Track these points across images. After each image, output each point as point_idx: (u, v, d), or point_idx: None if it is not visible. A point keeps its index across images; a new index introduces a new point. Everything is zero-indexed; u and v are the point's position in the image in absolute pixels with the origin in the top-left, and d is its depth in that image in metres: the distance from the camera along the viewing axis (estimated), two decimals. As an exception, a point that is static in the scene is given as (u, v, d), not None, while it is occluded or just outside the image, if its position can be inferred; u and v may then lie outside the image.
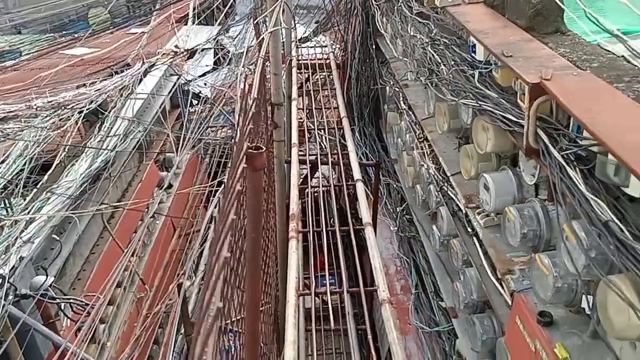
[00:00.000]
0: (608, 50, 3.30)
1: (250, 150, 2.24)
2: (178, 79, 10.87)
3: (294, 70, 7.93)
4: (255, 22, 7.94)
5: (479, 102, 3.45)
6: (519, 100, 3.11)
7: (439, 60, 4.09)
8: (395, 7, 5.37)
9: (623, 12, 3.51)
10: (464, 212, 4.25)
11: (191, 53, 13.87)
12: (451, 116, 4.51)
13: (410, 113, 5.81)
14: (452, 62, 3.93)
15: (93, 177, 7.78)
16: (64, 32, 17.69)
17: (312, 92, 7.49)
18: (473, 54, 3.76)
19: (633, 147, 2.19)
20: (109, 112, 8.53)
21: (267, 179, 5.55)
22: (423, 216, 5.69)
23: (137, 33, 16.72)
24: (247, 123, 2.36)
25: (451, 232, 4.80)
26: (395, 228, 6.65)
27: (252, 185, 2.27)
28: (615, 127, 2.33)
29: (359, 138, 8.00)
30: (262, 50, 3.85)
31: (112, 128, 8.32)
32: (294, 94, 7.30)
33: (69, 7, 18.46)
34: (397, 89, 6.39)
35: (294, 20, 11.47)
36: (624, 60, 2.95)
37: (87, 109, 8.50)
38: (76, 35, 16.22)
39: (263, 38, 4.01)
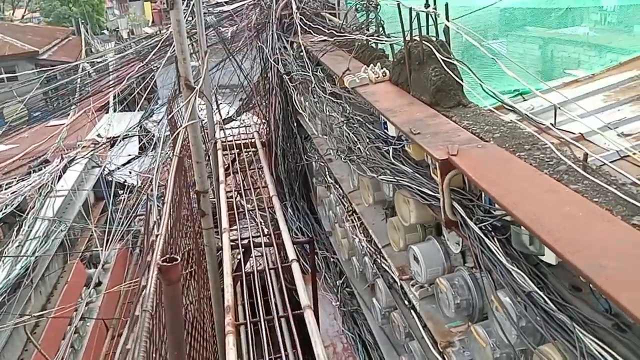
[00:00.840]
0: (512, 109, 3.51)
1: (163, 264, 2.12)
2: (101, 170, 10.55)
3: (220, 152, 7.90)
4: (169, 116, 7.87)
5: (396, 178, 3.51)
6: (432, 174, 3.19)
7: (355, 139, 4.18)
8: (310, 88, 5.52)
9: (519, 73, 3.76)
10: (399, 284, 4.22)
11: (114, 141, 13.60)
12: (374, 189, 4.57)
13: (337, 186, 5.87)
14: (367, 139, 4.03)
15: (13, 286, 7.24)
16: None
17: (239, 172, 7.46)
18: (386, 130, 3.87)
19: (537, 217, 2.26)
20: (27, 214, 8.08)
21: (197, 269, 5.35)
22: (362, 289, 5.63)
23: (56, 126, 16.32)
24: (151, 236, 2.25)
25: (390, 304, 4.75)
26: (338, 303, 6.54)
27: (169, 301, 2.13)
28: (520, 198, 2.41)
29: (291, 213, 7.96)
30: (177, 147, 3.76)
31: (31, 230, 7.86)
32: (221, 177, 7.24)
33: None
34: (322, 164, 6.46)
35: (217, 102, 11.59)
36: (521, 127, 3.11)
37: (2, 213, 8.04)
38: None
39: (178, 133, 3.91)
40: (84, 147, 10.95)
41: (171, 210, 2.84)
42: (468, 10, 4.80)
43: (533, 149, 2.86)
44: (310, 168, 7.73)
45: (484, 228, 2.71)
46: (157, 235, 2.36)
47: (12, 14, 38.29)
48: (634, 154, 2.82)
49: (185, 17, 9.78)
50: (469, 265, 3.46)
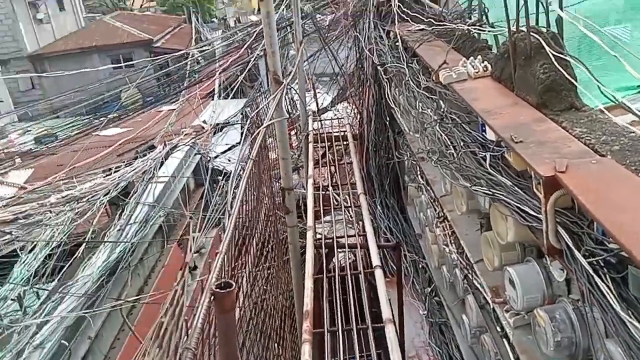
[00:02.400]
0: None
1: (217, 290, 1.93)
2: (200, 157, 10.87)
3: (311, 145, 7.72)
4: (254, 114, 7.77)
5: (492, 190, 3.08)
6: (535, 190, 2.73)
7: (449, 141, 3.77)
8: (403, 81, 5.14)
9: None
10: (491, 306, 3.78)
11: (220, 128, 14.01)
12: (469, 197, 4.14)
13: (429, 188, 5.45)
14: (462, 142, 3.60)
15: (112, 268, 7.61)
16: (98, 114, 18.28)
17: (328, 167, 7.22)
18: (484, 134, 3.43)
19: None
20: (130, 199, 8.48)
21: (276, 269, 5.22)
22: (452, 303, 5.20)
23: (167, 110, 17.23)
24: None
25: (481, 324, 4.30)
26: (425, 312, 6.14)
27: (222, 331, 1.94)
28: (646, 235, 1.92)
29: (380, 211, 7.63)
30: (254, 149, 3.55)
31: (132, 215, 8.23)
32: (310, 171, 7.06)
33: (104, 95, 18.99)
34: (414, 162, 6.06)
35: (314, 91, 11.46)
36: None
37: (108, 197, 8.50)
38: (109, 117, 16.73)
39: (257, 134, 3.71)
40: (186, 134, 11.34)
41: (239, 226, 2.66)
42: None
43: (665, 167, 2.32)
44: (401, 165, 7.34)
45: (594, 263, 2.24)
46: (217, 253, 2.20)
47: (132, 4, 41.06)
48: None
49: (282, 6, 9.71)
50: (574, 297, 2.96)
